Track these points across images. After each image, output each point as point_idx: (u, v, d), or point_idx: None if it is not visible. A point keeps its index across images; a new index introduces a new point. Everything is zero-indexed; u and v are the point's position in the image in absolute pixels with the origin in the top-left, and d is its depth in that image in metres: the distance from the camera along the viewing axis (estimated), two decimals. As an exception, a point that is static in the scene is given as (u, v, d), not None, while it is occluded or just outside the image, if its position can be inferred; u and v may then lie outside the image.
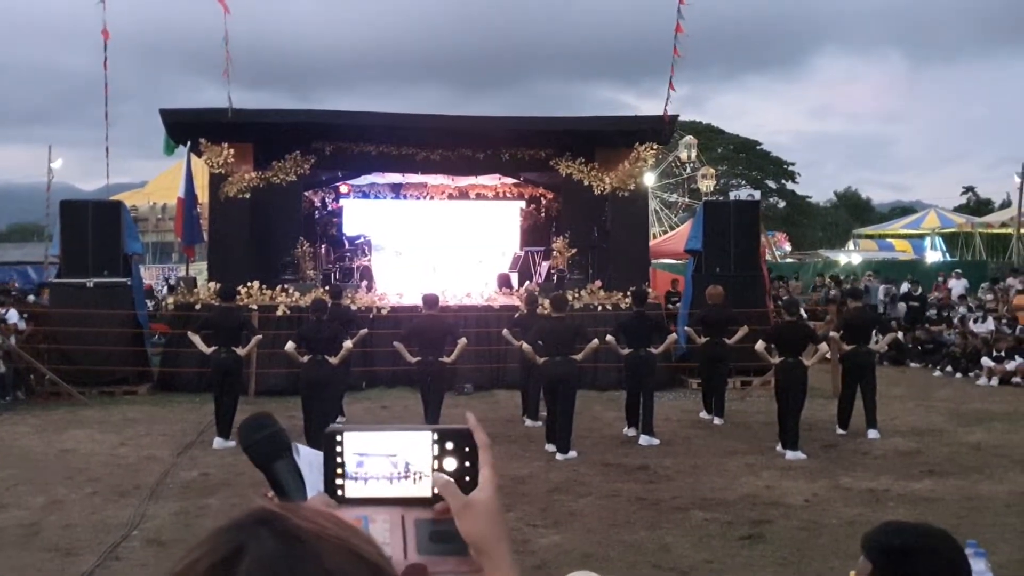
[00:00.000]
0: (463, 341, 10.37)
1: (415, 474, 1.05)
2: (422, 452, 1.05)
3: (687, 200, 38.21)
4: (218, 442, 10.03)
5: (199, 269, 19.42)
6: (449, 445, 1.05)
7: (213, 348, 10.42)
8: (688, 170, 38.57)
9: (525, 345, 10.28)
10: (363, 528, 1.03)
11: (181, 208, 16.69)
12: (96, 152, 18.54)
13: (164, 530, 7.10)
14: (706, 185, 36.85)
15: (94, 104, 17.35)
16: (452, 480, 1.05)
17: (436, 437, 1.06)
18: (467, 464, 1.05)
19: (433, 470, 1.05)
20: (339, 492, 1.05)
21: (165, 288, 22.96)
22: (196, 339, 10.61)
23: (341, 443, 1.06)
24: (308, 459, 1.15)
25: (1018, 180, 29.08)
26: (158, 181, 28.67)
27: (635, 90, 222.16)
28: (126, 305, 14.25)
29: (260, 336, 11.06)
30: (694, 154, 37.73)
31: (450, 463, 1.05)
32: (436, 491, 1.05)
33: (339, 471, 1.05)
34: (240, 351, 10.55)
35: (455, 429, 1.07)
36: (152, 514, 7.50)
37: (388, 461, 1.05)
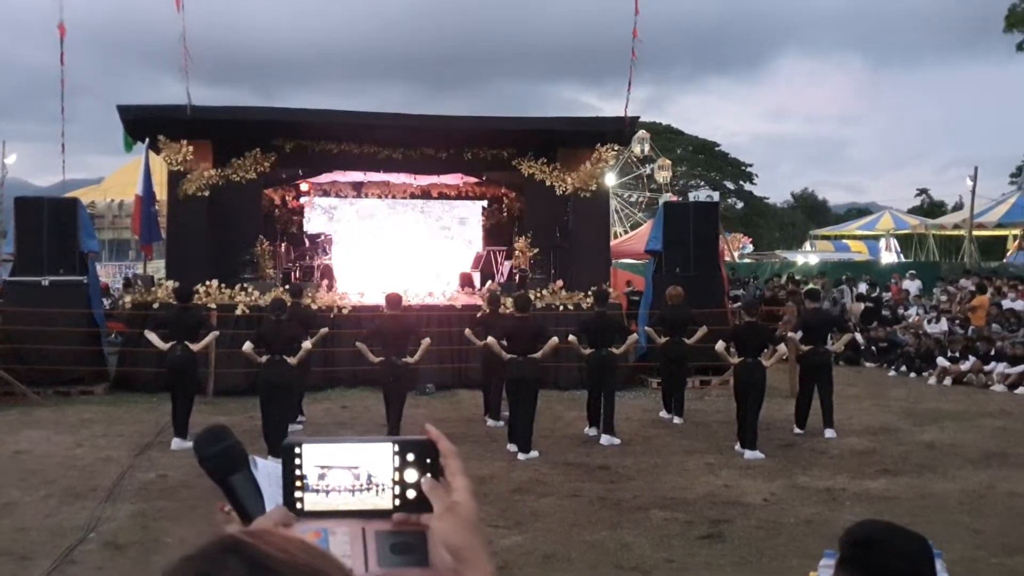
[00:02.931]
0: (427, 341, 10.34)
1: (377, 486, 1.04)
2: (383, 463, 1.05)
3: (648, 195, 38.45)
4: (176, 443, 9.90)
5: (157, 267, 19.16)
6: (410, 456, 1.05)
7: (170, 344, 10.31)
8: (647, 167, 38.84)
9: (491, 339, 10.21)
10: (323, 541, 1.03)
11: (139, 205, 16.42)
12: (52, 147, 18.28)
13: (121, 533, 7.00)
14: (663, 176, 37.10)
15: (50, 99, 17.07)
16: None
17: (397, 448, 1.05)
18: (428, 475, 1.05)
19: (394, 482, 1.04)
20: (298, 505, 1.04)
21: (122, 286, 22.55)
22: (152, 336, 10.46)
23: (300, 455, 1.04)
24: (266, 471, 1.14)
25: (970, 183, 29.64)
26: (115, 177, 28.08)
27: (598, 91, 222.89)
28: (82, 304, 14.03)
29: (217, 332, 10.94)
30: (647, 148, 37.97)
31: (411, 474, 1.05)
32: (398, 503, 1.04)
33: (299, 483, 1.04)
34: (194, 347, 10.43)
35: (416, 440, 1.06)
36: (109, 517, 7.38)
37: (350, 473, 1.04)
